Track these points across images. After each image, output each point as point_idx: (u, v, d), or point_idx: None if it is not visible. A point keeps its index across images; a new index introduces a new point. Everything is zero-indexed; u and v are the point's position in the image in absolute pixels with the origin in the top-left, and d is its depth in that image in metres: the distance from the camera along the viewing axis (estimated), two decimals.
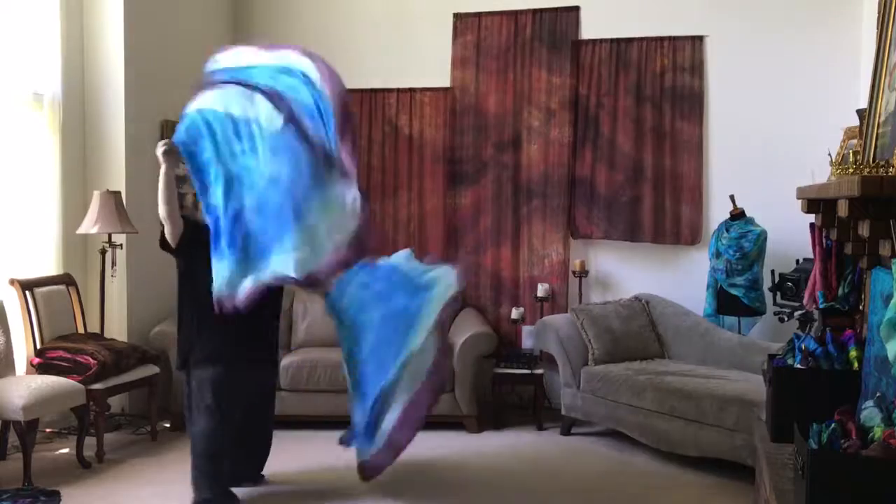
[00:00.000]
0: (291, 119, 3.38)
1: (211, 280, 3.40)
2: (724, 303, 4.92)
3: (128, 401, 5.01)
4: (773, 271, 4.70)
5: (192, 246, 3.61)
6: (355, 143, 3.50)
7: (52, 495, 3.72)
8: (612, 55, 5.43)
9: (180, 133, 3.49)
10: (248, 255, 3.36)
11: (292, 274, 3.30)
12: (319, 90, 3.48)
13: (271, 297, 3.60)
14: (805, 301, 3.45)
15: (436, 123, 5.71)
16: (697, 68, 5.33)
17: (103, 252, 4.77)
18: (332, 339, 5.19)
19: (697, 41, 5.33)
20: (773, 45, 5.21)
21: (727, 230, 4.88)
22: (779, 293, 4.62)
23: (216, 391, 3.57)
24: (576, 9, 5.51)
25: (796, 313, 4.10)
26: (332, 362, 4.88)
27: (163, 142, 3.54)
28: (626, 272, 5.49)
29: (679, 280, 5.30)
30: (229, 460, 3.67)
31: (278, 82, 3.49)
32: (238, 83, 3.50)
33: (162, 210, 3.60)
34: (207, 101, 3.49)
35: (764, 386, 3.29)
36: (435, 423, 4.89)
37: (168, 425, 4.89)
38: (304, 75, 3.50)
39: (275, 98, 3.41)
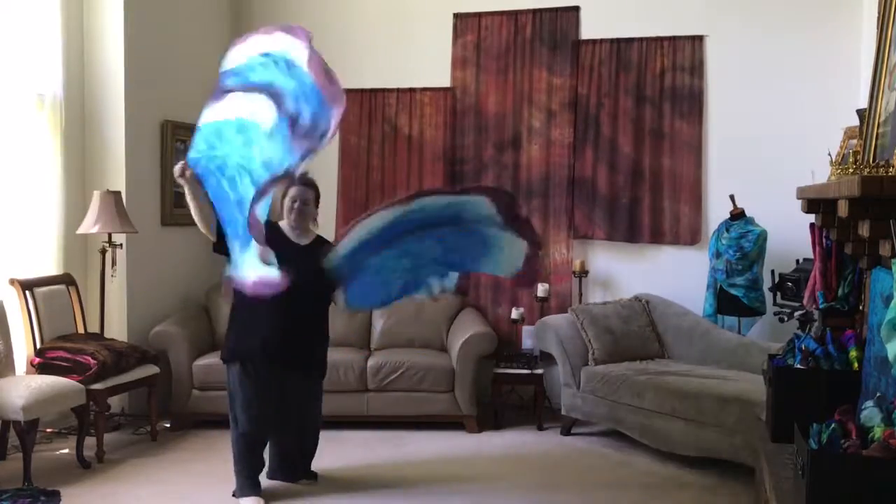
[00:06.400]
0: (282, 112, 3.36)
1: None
2: (724, 303, 4.92)
3: (128, 401, 5.01)
4: (773, 271, 4.70)
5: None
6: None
7: (52, 495, 3.72)
8: (612, 55, 5.43)
9: (197, 144, 3.45)
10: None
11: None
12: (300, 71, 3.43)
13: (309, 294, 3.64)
14: (805, 301, 3.45)
15: (436, 123, 5.71)
16: (697, 68, 5.32)
17: (103, 252, 4.77)
18: (339, 340, 5.22)
19: (697, 41, 5.33)
20: (773, 45, 5.21)
21: (727, 230, 4.88)
22: (779, 293, 4.62)
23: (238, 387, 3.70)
24: (576, 9, 5.51)
25: (796, 313, 4.10)
26: (334, 362, 4.87)
27: (177, 167, 3.49)
28: (626, 272, 5.49)
29: (679, 280, 5.29)
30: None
31: (268, 73, 3.43)
32: (240, 88, 3.48)
33: (199, 224, 3.65)
34: (216, 113, 3.49)
35: (764, 386, 3.29)
36: (435, 423, 4.91)
37: (168, 425, 4.89)
38: (287, 61, 3.45)
39: (270, 93, 3.39)
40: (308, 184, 3.79)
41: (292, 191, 3.74)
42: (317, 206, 3.87)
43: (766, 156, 5.18)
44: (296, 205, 3.74)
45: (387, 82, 5.78)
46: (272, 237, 3.59)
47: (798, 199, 2.96)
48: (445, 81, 5.71)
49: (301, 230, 3.80)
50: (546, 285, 5.39)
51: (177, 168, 3.48)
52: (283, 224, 3.81)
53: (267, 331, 3.61)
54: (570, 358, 4.82)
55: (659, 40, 5.36)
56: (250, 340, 3.63)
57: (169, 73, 5.35)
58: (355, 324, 5.41)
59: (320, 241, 3.85)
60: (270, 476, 3.94)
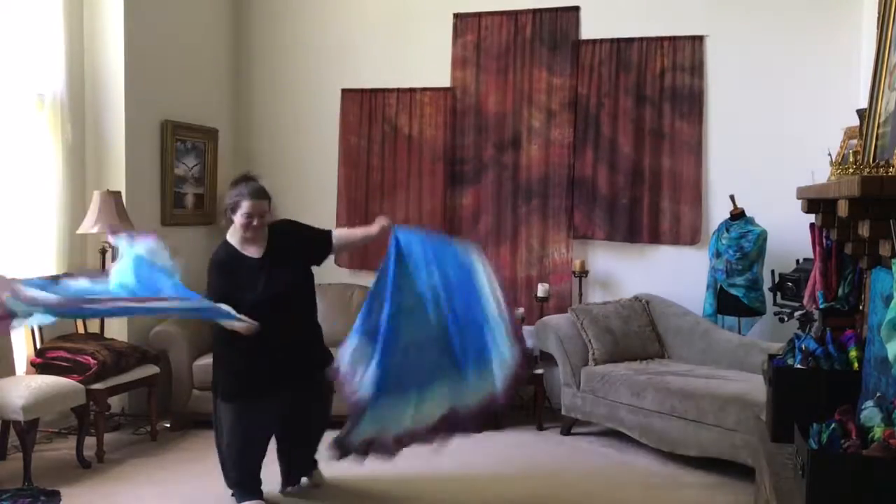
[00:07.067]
0: None
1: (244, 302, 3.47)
2: (724, 303, 4.91)
3: (128, 401, 5.01)
4: (773, 271, 4.70)
5: (228, 287, 3.58)
6: None
7: (52, 495, 3.72)
8: (612, 55, 5.42)
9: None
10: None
11: None
12: None
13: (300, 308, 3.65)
14: (805, 301, 3.45)
15: (436, 123, 5.71)
16: (697, 68, 5.32)
17: (103, 252, 4.78)
18: (339, 339, 5.20)
19: (697, 41, 5.32)
20: (773, 45, 5.20)
21: (727, 230, 4.88)
22: (779, 293, 4.61)
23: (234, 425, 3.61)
24: (576, 9, 5.51)
25: (796, 313, 4.10)
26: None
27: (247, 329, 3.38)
28: (626, 272, 5.48)
29: (679, 280, 5.29)
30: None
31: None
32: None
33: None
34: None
35: (764, 386, 3.29)
36: None
37: (168, 425, 4.89)
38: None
39: None
40: (263, 195, 3.60)
41: (246, 206, 3.52)
42: (269, 208, 3.70)
43: (766, 156, 5.18)
44: (255, 222, 3.54)
45: (387, 82, 5.78)
46: (233, 266, 3.59)
47: (798, 199, 2.95)
48: (445, 81, 5.70)
49: (256, 238, 3.62)
50: (546, 285, 5.39)
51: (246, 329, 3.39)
52: (234, 238, 3.64)
53: (270, 359, 3.50)
54: (570, 358, 4.82)
55: (659, 40, 5.36)
56: (254, 377, 3.51)
57: (169, 73, 5.35)
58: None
59: (277, 229, 3.69)
60: (287, 491, 3.86)
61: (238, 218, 3.57)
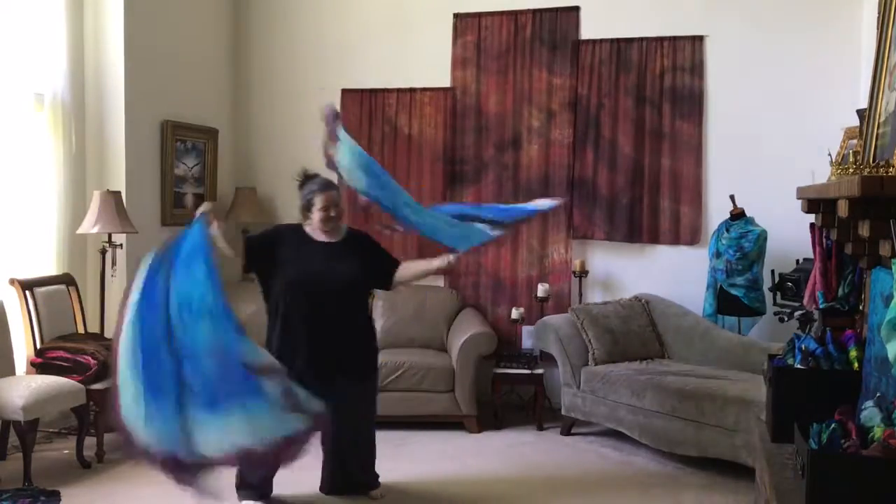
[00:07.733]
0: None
1: (278, 287, 3.55)
2: (724, 303, 4.91)
3: None
4: (773, 271, 4.70)
5: (261, 259, 3.61)
6: None
7: (52, 495, 3.72)
8: (612, 55, 5.42)
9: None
10: None
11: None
12: None
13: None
14: (805, 301, 3.45)
15: (436, 123, 5.71)
16: (697, 68, 5.32)
17: (103, 252, 4.77)
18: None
19: (697, 41, 5.32)
20: (773, 45, 5.20)
21: (727, 230, 4.88)
22: (779, 293, 4.61)
23: None
24: (576, 9, 5.51)
25: (796, 313, 4.10)
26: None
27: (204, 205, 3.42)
28: (626, 272, 5.49)
29: (679, 280, 5.29)
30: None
31: None
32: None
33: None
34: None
35: (764, 386, 3.29)
36: (435, 423, 4.91)
37: None
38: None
39: None
40: (334, 186, 3.69)
41: (321, 199, 3.58)
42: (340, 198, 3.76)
43: (766, 156, 5.18)
44: (332, 212, 3.60)
45: (387, 82, 5.77)
46: (289, 240, 3.62)
47: (798, 199, 2.95)
48: (445, 81, 5.70)
49: (331, 231, 3.67)
50: (546, 285, 5.39)
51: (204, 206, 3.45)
52: (309, 228, 3.69)
53: (310, 345, 3.48)
54: (570, 358, 4.82)
55: (659, 40, 5.36)
56: (295, 362, 3.38)
57: (169, 73, 5.35)
58: None
59: (354, 234, 3.75)
60: (327, 491, 3.80)
61: (315, 214, 3.61)
